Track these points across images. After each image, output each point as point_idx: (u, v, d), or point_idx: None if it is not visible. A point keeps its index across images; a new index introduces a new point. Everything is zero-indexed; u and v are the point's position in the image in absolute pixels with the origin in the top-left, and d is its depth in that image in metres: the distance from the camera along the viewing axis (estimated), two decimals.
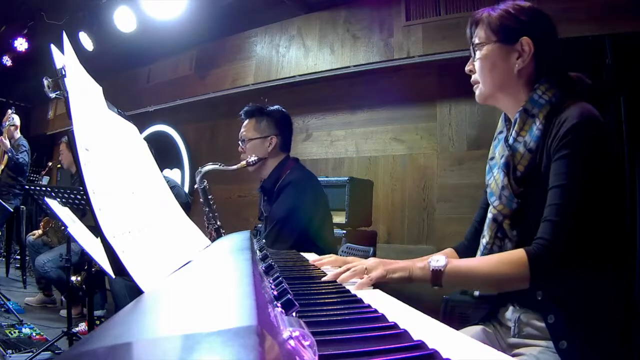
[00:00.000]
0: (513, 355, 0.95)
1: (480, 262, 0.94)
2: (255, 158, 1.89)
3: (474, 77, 1.07)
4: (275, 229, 1.79)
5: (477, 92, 1.08)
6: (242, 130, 1.98)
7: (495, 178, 1.03)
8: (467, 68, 1.08)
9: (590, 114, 0.89)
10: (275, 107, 2.00)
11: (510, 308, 1.04)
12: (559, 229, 0.86)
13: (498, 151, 1.05)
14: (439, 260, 0.90)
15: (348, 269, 0.90)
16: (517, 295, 1.02)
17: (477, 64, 1.04)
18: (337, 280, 0.86)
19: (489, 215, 1.04)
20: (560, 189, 0.88)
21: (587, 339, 0.85)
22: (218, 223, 2.13)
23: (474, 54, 1.05)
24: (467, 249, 1.22)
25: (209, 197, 2.13)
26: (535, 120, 0.96)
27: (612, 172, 0.91)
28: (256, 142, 1.93)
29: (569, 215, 0.86)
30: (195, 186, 2.15)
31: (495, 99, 1.05)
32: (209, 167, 2.08)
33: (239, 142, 1.99)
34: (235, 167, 1.97)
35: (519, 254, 0.88)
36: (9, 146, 3.92)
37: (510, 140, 1.00)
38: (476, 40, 1.04)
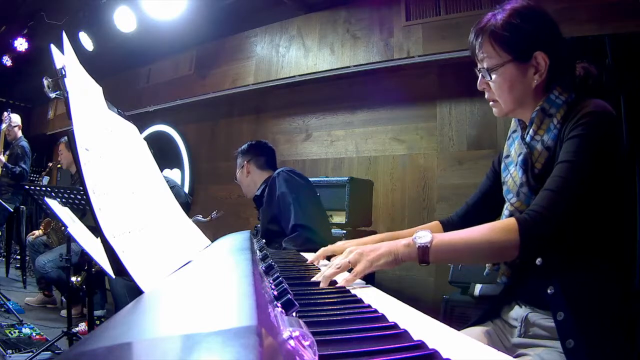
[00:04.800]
0: (517, 356, 0.94)
1: (467, 232, 0.90)
2: (215, 214, 2.44)
3: (490, 95, 1.05)
4: (288, 211, 1.90)
5: (496, 110, 1.06)
6: None
7: (512, 175, 1.03)
8: (480, 87, 1.05)
9: (605, 106, 0.91)
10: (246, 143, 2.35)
11: (516, 307, 1.04)
12: (555, 199, 0.86)
13: (514, 149, 1.05)
14: (424, 236, 0.87)
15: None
16: (525, 293, 1.02)
17: (494, 85, 1.02)
18: (322, 279, 0.85)
19: (505, 212, 1.03)
20: (565, 163, 0.88)
21: (594, 338, 0.85)
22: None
23: (488, 75, 1.01)
24: (455, 226, 1.24)
25: None
26: (552, 120, 0.96)
27: (619, 163, 0.91)
28: (238, 175, 2.30)
29: (567, 189, 0.86)
30: None
31: (514, 113, 1.05)
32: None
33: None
34: (206, 219, 2.40)
35: (509, 220, 0.88)
36: (4, 161, 3.91)
37: (528, 139, 1.00)
38: (488, 61, 1.00)
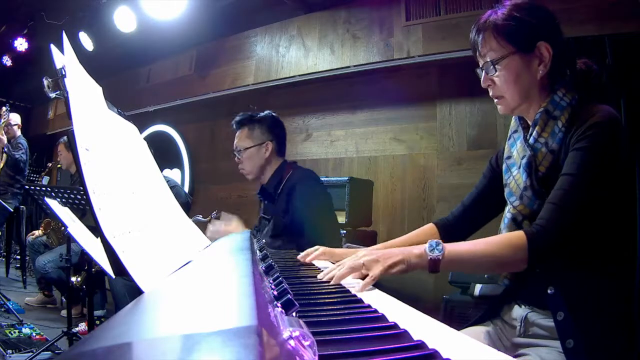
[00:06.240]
0: (518, 355, 0.95)
1: (477, 246, 0.92)
2: (215, 214, 2.14)
3: (495, 91, 1.03)
4: (303, 227, 1.79)
5: (501, 107, 1.04)
6: (236, 140, 1.97)
7: (515, 178, 1.02)
8: (484, 84, 1.04)
9: (612, 115, 0.91)
10: (266, 112, 1.99)
11: (516, 307, 1.04)
12: (561, 213, 0.87)
13: (517, 151, 1.04)
14: (435, 248, 0.89)
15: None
16: (525, 293, 1.02)
17: (498, 79, 1.00)
18: (334, 279, 0.85)
19: (508, 215, 1.03)
20: (570, 176, 0.89)
21: (594, 338, 0.85)
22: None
23: (493, 68, 1.00)
24: (451, 227, 1.24)
25: None
26: (557, 122, 0.96)
27: (625, 174, 0.92)
28: (252, 151, 1.92)
29: (573, 202, 0.87)
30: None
31: (519, 109, 1.03)
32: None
33: (235, 153, 1.97)
34: (207, 219, 2.19)
35: (518, 235, 0.89)
36: (5, 142, 3.87)
37: (531, 141, 0.99)
38: (492, 55, 0.99)
